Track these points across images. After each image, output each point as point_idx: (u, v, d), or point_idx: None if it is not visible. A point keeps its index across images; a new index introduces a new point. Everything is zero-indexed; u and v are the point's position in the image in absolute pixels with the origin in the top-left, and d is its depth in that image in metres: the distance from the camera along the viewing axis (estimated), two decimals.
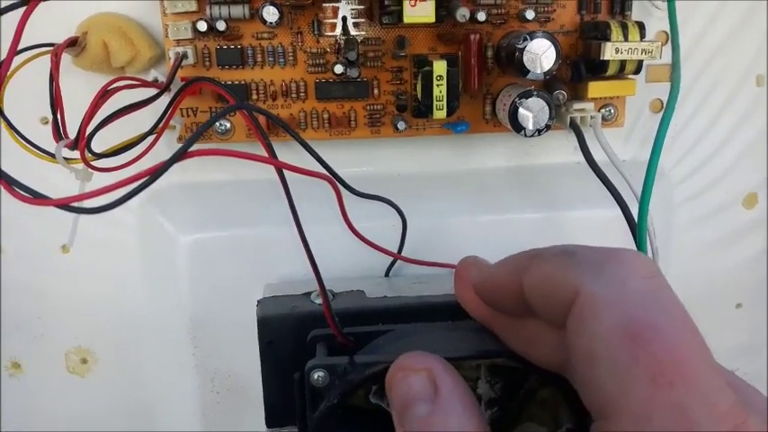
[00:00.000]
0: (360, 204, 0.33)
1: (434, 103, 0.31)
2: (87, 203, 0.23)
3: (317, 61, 0.33)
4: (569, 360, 0.20)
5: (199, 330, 0.37)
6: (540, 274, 0.22)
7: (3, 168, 0.23)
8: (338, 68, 0.32)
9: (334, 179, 0.28)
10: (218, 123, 0.33)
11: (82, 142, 0.26)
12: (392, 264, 0.36)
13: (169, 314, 0.37)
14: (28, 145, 0.29)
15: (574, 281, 0.20)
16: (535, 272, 0.22)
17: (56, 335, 0.39)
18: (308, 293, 0.34)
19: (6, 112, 0.29)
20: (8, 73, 0.25)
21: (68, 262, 0.37)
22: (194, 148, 0.22)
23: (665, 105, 0.30)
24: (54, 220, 0.35)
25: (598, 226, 0.37)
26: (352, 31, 0.28)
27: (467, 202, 0.37)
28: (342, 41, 0.32)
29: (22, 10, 0.25)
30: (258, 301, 0.33)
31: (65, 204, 0.22)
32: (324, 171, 0.29)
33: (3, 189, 0.23)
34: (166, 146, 0.33)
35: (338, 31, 0.27)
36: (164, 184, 0.30)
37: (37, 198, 0.23)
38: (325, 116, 0.34)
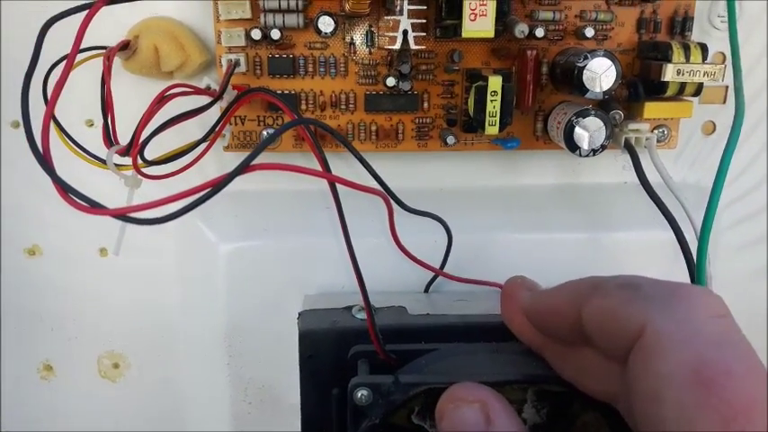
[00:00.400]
0: (405, 219, 0.32)
1: (487, 118, 0.31)
2: (142, 214, 0.22)
3: (369, 73, 0.32)
4: (627, 394, 0.20)
5: (234, 339, 0.37)
6: (602, 305, 0.21)
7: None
8: (390, 81, 0.32)
9: (388, 195, 0.27)
10: (265, 133, 0.33)
11: (135, 149, 0.26)
12: (433, 279, 0.36)
13: (205, 322, 0.37)
14: (78, 149, 0.28)
15: (639, 316, 0.19)
16: (597, 303, 0.21)
17: (89, 338, 0.39)
18: (350, 308, 0.33)
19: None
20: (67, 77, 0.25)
21: (106, 265, 0.37)
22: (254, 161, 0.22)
23: (729, 134, 0.29)
24: (93, 223, 0.35)
25: (646, 248, 0.36)
26: (413, 45, 0.27)
27: (513, 219, 0.36)
28: (394, 54, 0.31)
29: (83, 14, 0.24)
30: (299, 314, 0.33)
31: (122, 215, 0.22)
32: (376, 186, 0.29)
33: (59, 196, 0.23)
34: (212, 154, 0.32)
35: (398, 44, 0.27)
36: None
37: (93, 207, 0.22)
38: (373, 128, 0.33)
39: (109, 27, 0.31)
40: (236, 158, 0.35)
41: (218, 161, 0.34)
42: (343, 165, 0.34)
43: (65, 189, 0.22)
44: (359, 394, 0.27)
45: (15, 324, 0.38)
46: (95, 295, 0.38)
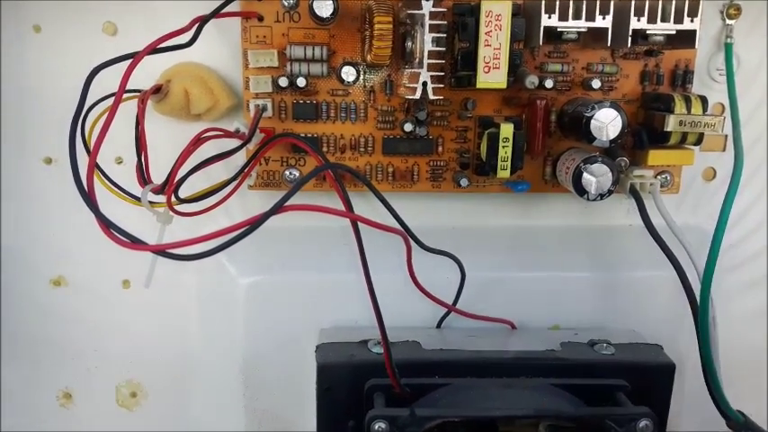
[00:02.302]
0: (419, 256, 0.33)
1: (499, 162, 0.32)
2: (180, 250, 0.24)
3: (387, 118, 0.34)
4: None
5: (251, 370, 0.38)
6: None
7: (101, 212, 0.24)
8: (408, 126, 0.33)
9: (407, 234, 0.29)
10: (287, 172, 0.34)
11: (170, 187, 0.27)
12: (445, 315, 0.37)
13: (223, 353, 0.38)
14: (114, 188, 0.30)
15: None
16: None
17: (109, 367, 0.40)
18: (365, 341, 0.34)
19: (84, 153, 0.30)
20: (102, 119, 0.26)
21: (128, 297, 0.38)
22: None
23: (729, 182, 0.31)
24: (118, 256, 0.36)
25: (651, 288, 0.37)
26: (432, 96, 0.29)
27: (523, 259, 0.38)
28: (412, 101, 0.33)
29: (127, 62, 0.26)
30: (317, 347, 0.34)
31: (161, 251, 0.23)
32: (395, 224, 0.30)
33: (102, 232, 0.24)
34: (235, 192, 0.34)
35: (418, 94, 0.29)
36: None
37: (134, 243, 0.24)
38: (390, 170, 0.35)
39: (142, 71, 0.33)
40: (257, 197, 0.36)
41: (241, 199, 0.36)
42: (362, 203, 0.35)
43: (107, 225, 0.24)
44: (376, 426, 0.29)
45: (38, 352, 0.39)
46: (117, 326, 0.39)
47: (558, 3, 0.30)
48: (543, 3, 0.30)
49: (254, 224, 0.22)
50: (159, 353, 0.39)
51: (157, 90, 0.33)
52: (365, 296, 0.30)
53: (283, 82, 0.32)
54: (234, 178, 0.30)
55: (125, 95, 0.32)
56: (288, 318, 0.37)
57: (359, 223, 0.29)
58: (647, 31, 0.31)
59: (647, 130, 0.34)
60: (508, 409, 0.30)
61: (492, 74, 0.30)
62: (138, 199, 0.29)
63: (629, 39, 0.31)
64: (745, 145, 0.37)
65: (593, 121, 0.31)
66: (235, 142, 0.31)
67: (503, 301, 0.37)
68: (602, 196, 0.32)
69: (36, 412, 0.40)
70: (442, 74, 0.29)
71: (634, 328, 0.37)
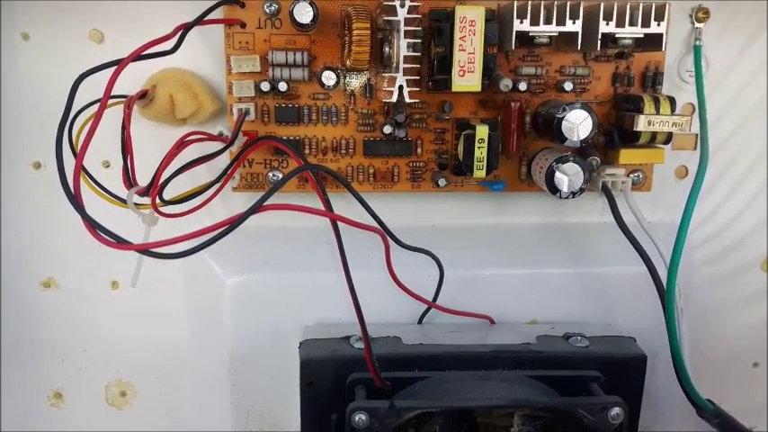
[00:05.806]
0: (399, 254, 0.34)
1: (475, 163, 0.33)
2: (164, 249, 0.25)
3: (367, 121, 0.35)
4: None
5: (237, 368, 0.39)
6: None
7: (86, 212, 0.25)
8: (387, 129, 0.34)
9: (385, 232, 0.30)
10: (270, 174, 0.35)
11: (155, 190, 0.28)
12: (426, 311, 0.38)
13: (210, 352, 0.39)
14: (100, 190, 0.31)
15: None
16: None
17: (99, 367, 0.41)
18: (347, 337, 0.35)
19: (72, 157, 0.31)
20: (88, 124, 0.27)
21: (117, 298, 0.39)
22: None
23: (694, 178, 0.32)
24: (107, 257, 0.37)
25: (625, 282, 0.38)
26: (408, 99, 0.30)
27: (500, 255, 0.39)
28: (391, 104, 0.34)
29: (112, 69, 0.27)
30: (300, 343, 0.35)
31: (145, 249, 0.24)
32: (374, 224, 0.31)
33: (88, 233, 0.25)
34: (219, 194, 0.35)
35: (394, 97, 0.30)
36: None
37: (120, 243, 0.25)
38: (371, 171, 0.36)
39: (128, 77, 0.34)
40: (241, 198, 0.37)
41: (225, 201, 0.37)
42: (343, 204, 0.36)
43: (93, 226, 0.25)
44: (356, 418, 0.30)
45: (28, 353, 0.40)
46: (106, 326, 0.40)
47: (529, 8, 0.31)
48: (515, 8, 0.31)
49: (233, 223, 0.23)
50: (148, 352, 0.40)
51: (143, 95, 0.34)
52: (348, 293, 0.31)
53: (265, 86, 0.33)
54: (217, 180, 0.31)
55: (112, 101, 0.33)
56: (273, 316, 0.38)
57: (339, 223, 0.30)
58: (616, 35, 0.32)
59: (618, 130, 0.35)
60: (484, 399, 0.31)
61: (467, 77, 0.31)
62: (124, 201, 0.30)
63: (599, 42, 0.32)
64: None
65: (564, 122, 0.32)
66: (218, 145, 0.32)
67: (482, 297, 0.38)
68: (574, 194, 0.33)
69: (27, 412, 0.41)
70: (418, 78, 0.30)
71: (609, 322, 0.38)
